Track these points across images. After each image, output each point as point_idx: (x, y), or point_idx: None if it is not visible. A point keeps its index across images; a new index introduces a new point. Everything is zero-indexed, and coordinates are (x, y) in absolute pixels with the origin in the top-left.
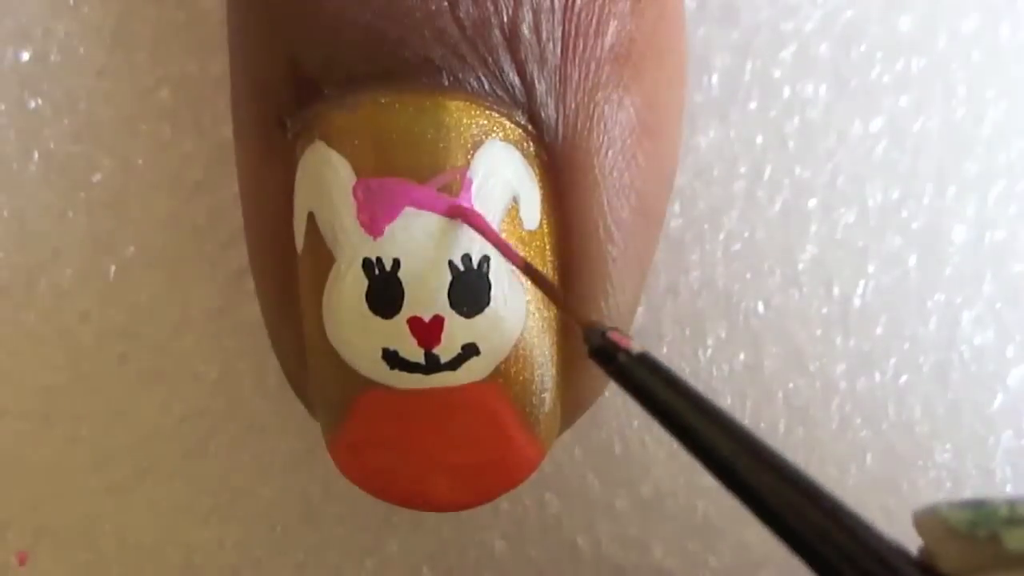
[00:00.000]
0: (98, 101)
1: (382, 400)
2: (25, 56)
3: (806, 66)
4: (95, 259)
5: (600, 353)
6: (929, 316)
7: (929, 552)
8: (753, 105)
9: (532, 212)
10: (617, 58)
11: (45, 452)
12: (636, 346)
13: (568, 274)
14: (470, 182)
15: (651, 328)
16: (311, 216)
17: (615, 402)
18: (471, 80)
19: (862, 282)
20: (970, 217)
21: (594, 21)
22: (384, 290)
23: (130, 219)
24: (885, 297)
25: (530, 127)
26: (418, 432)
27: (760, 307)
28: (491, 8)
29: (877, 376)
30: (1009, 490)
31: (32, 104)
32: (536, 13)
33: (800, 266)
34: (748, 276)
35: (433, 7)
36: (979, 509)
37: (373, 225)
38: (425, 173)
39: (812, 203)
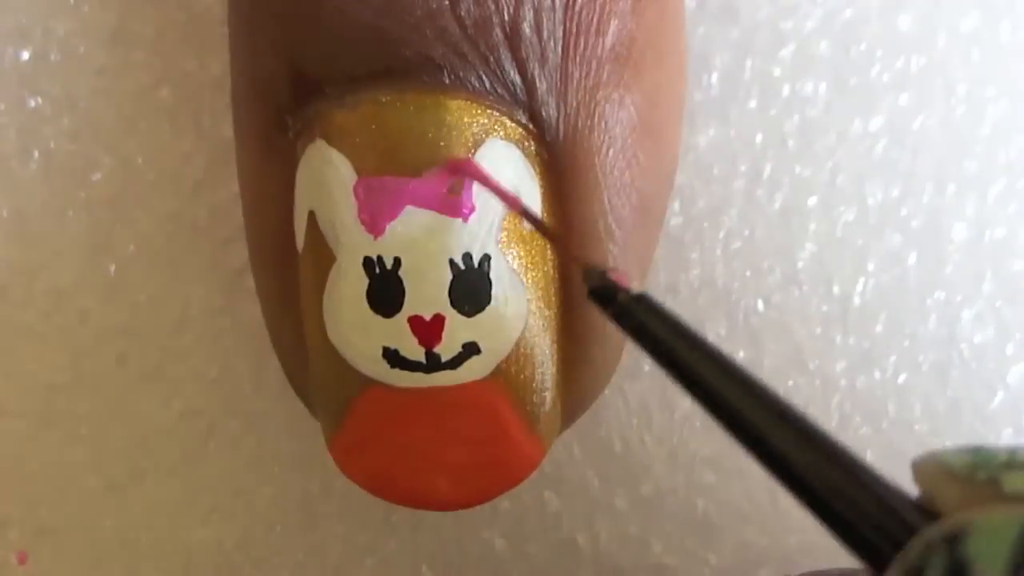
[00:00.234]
0: (98, 100)
1: (382, 399)
2: (25, 55)
3: (806, 65)
4: (95, 258)
5: (599, 293)
6: (929, 314)
7: (928, 497)
8: (753, 104)
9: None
10: (618, 57)
11: (45, 451)
12: (635, 286)
13: (568, 273)
14: (471, 181)
15: None
16: (312, 215)
17: (615, 401)
18: (472, 79)
19: (862, 280)
20: (970, 215)
21: (595, 20)
22: (385, 289)
23: (130, 218)
24: (885, 295)
25: (531, 126)
26: (418, 431)
27: (760, 305)
28: (492, 7)
29: (877, 374)
30: None
31: (32, 103)
32: (537, 12)
33: (800, 264)
34: (748, 274)
35: (434, 5)
36: (979, 454)
37: (374, 224)
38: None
39: (812, 201)
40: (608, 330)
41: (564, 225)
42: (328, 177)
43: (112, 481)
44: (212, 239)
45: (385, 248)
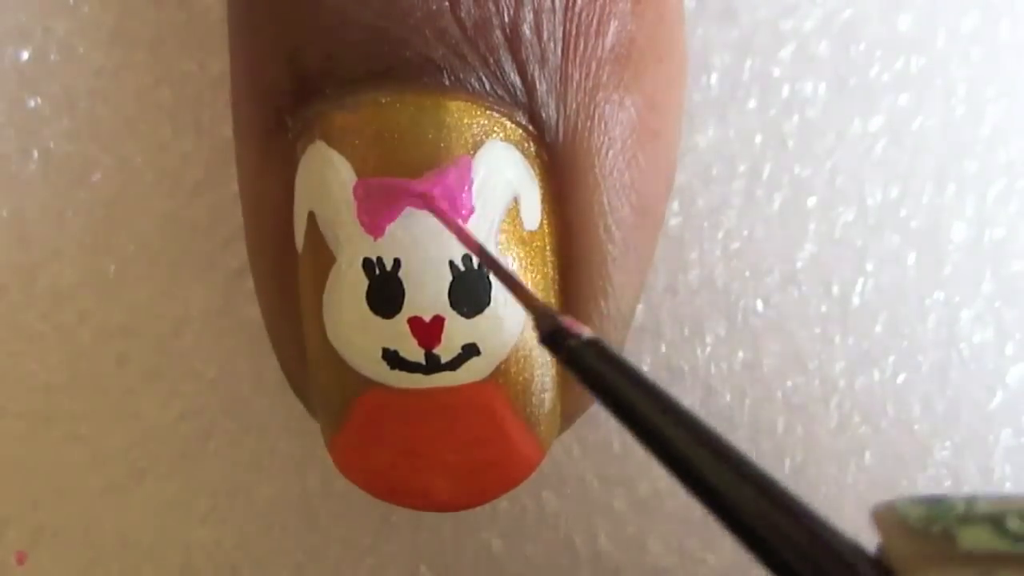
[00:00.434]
0: (97, 100)
1: (382, 400)
2: (24, 55)
3: (805, 65)
4: (94, 258)
5: (550, 339)
6: (928, 314)
7: (885, 548)
8: (752, 104)
9: (532, 212)
10: (618, 58)
11: (44, 451)
12: (587, 332)
13: (568, 274)
14: (471, 182)
15: (650, 326)
16: (311, 216)
17: None
18: (472, 80)
19: (861, 280)
20: (969, 215)
21: (595, 21)
22: (384, 290)
23: (129, 218)
24: (884, 295)
25: (531, 127)
26: (418, 432)
27: (759, 305)
28: (492, 8)
29: (876, 374)
30: (1008, 488)
31: (31, 103)
32: (537, 13)
33: (799, 264)
34: (747, 274)
35: (434, 7)
36: (935, 505)
37: (373, 225)
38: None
39: (811, 202)
40: (607, 330)
41: (564, 226)
42: (328, 178)
43: (111, 481)
44: (212, 239)
45: (385, 249)
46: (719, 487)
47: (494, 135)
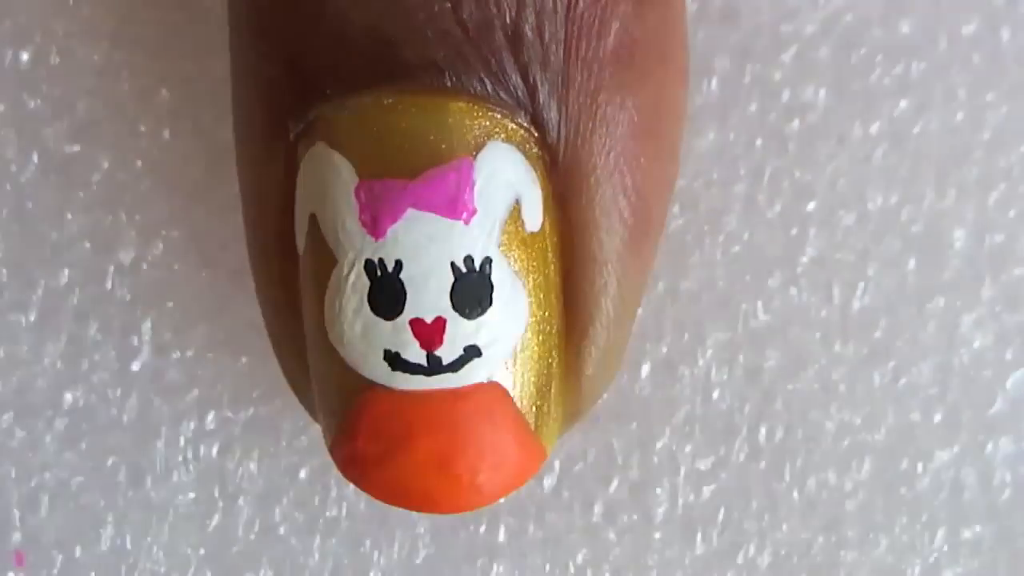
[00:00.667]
0: (97, 101)
1: (383, 401)
2: (25, 56)
3: (806, 69)
4: (94, 259)
5: None
6: (928, 319)
7: None
8: (753, 108)
9: (534, 214)
10: (620, 60)
11: (43, 452)
12: None
13: (570, 275)
14: (473, 183)
15: (650, 330)
16: (312, 217)
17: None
18: (474, 82)
19: (861, 285)
20: (970, 220)
21: (596, 23)
22: (386, 291)
23: (129, 220)
24: (884, 300)
25: (532, 129)
26: (419, 434)
27: (760, 310)
28: (494, 10)
29: (876, 379)
30: (1008, 495)
31: (31, 104)
32: (539, 14)
33: (799, 269)
34: (747, 278)
35: (436, 8)
36: None
37: (375, 226)
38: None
39: (812, 206)
40: (609, 333)
41: (566, 228)
42: (329, 180)
43: (111, 482)
44: (212, 241)
45: (386, 251)
46: None
47: (496, 136)
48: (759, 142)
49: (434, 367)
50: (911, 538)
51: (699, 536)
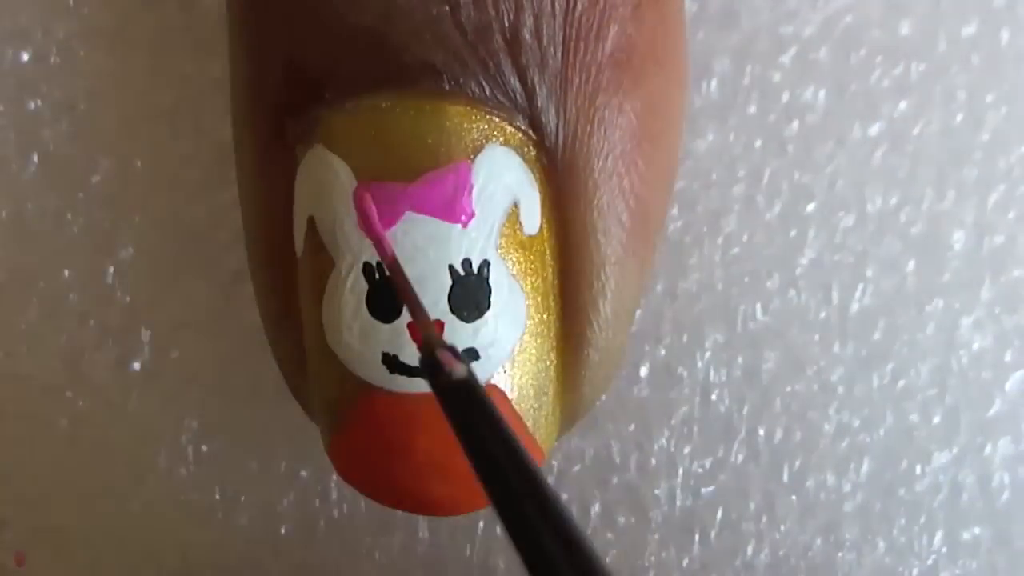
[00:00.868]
0: (97, 102)
1: (381, 404)
2: (24, 57)
3: (805, 70)
4: (94, 260)
5: (427, 367)
6: (927, 321)
7: None
8: (752, 109)
9: (532, 217)
10: (618, 63)
11: (43, 453)
12: (460, 371)
13: (568, 278)
14: (471, 186)
15: (649, 331)
16: (311, 220)
17: (612, 406)
18: (472, 85)
19: (860, 286)
20: (969, 222)
21: (595, 26)
22: (384, 294)
23: (129, 220)
24: (883, 302)
25: (531, 132)
26: (417, 436)
27: (759, 311)
28: (492, 13)
29: (875, 381)
30: (1006, 496)
31: (31, 105)
32: (537, 18)
33: (798, 270)
34: (746, 280)
35: (434, 11)
36: None
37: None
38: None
39: (811, 207)
40: (607, 335)
41: (564, 230)
42: (328, 182)
43: (110, 483)
44: (211, 242)
45: None
46: (541, 549)
47: (494, 139)
48: (758, 143)
49: None
50: (909, 539)
51: (697, 537)
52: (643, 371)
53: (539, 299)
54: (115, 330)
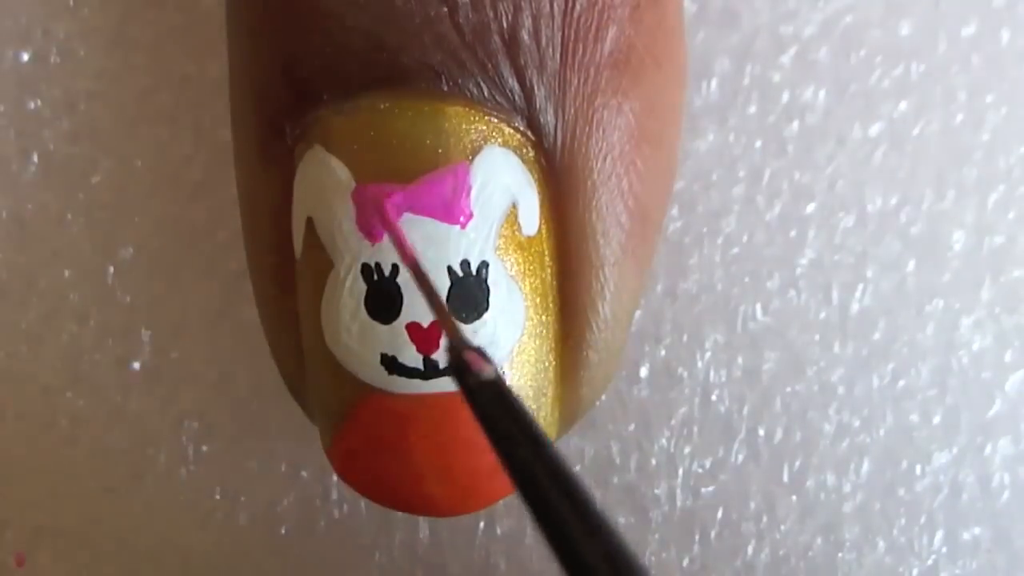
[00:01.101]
0: (97, 103)
1: (380, 405)
2: (25, 57)
3: (806, 70)
4: (94, 260)
5: (455, 370)
6: (927, 321)
7: None
8: (752, 109)
9: (531, 218)
10: (616, 64)
11: (43, 453)
12: (488, 372)
13: (567, 279)
14: (469, 187)
15: (649, 332)
16: (310, 221)
17: (612, 407)
18: (470, 86)
19: (860, 287)
20: (969, 222)
21: (593, 27)
22: (383, 295)
23: (129, 220)
24: (884, 302)
25: (529, 133)
26: (416, 437)
27: (758, 311)
28: (490, 14)
29: (875, 381)
30: (1006, 497)
31: (31, 105)
32: (535, 19)
33: (798, 271)
34: (746, 280)
35: (432, 13)
36: None
37: (372, 230)
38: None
39: (811, 208)
40: (606, 336)
41: (562, 231)
42: (326, 183)
43: (110, 483)
44: (211, 242)
45: (383, 255)
46: (576, 550)
47: (492, 141)
48: (758, 144)
49: (431, 371)
50: (909, 540)
51: (697, 537)
52: (643, 371)
53: (538, 300)
54: (115, 330)
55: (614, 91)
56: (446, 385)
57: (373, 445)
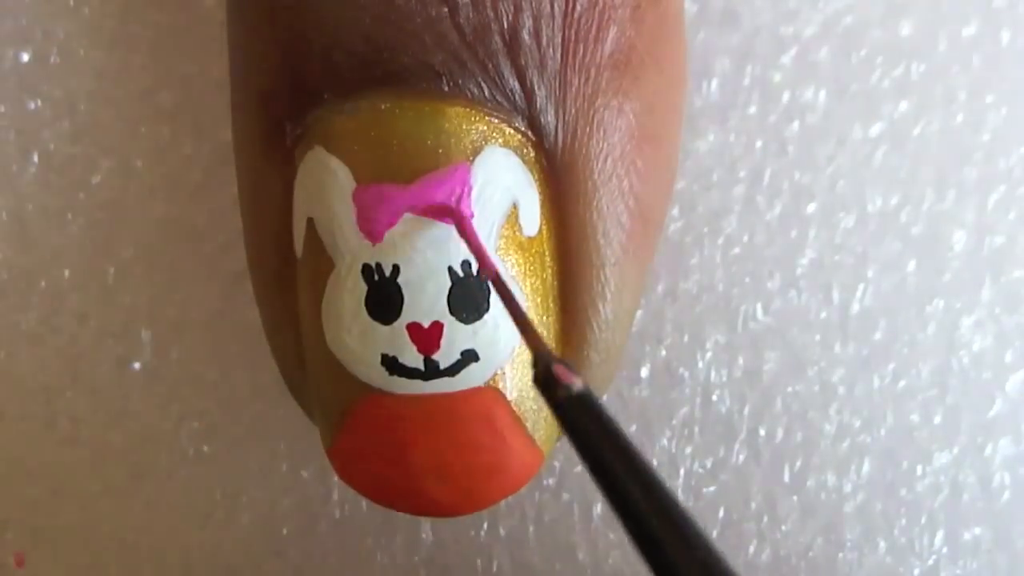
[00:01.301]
0: (98, 103)
1: (381, 405)
2: (25, 57)
3: (806, 71)
4: (94, 260)
5: (543, 384)
6: (928, 321)
7: None
8: (753, 109)
9: (531, 218)
10: (617, 64)
11: (43, 453)
12: (578, 384)
13: (567, 279)
14: (470, 188)
15: (650, 332)
16: (310, 221)
17: (613, 407)
18: (471, 86)
19: (861, 287)
20: (969, 222)
21: (594, 27)
22: (383, 296)
23: (129, 221)
24: (884, 302)
25: (530, 133)
26: (417, 437)
27: (759, 311)
28: (491, 14)
29: (876, 381)
30: (1007, 497)
31: (32, 105)
32: (536, 19)
33: (799, 271)
34: (747, 280)
35: (433, 13)
36: None
37: (372, 231)
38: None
39: (811, 208)
40: (606, 336)
41: (563, 231)
42: (327, 184)
43: (110, 484)
44: (211, 242)
45: (384, 255)
46: (670, 562)
47: (493, 141)
48: (759, 144)
49: (431, 371)
50: (910, 540)
51: None
52: (644, 372)
53: (538, 300)
54: (115, 330)
55: (615, 91)
56: (447, 386)
57: (373, 445)
